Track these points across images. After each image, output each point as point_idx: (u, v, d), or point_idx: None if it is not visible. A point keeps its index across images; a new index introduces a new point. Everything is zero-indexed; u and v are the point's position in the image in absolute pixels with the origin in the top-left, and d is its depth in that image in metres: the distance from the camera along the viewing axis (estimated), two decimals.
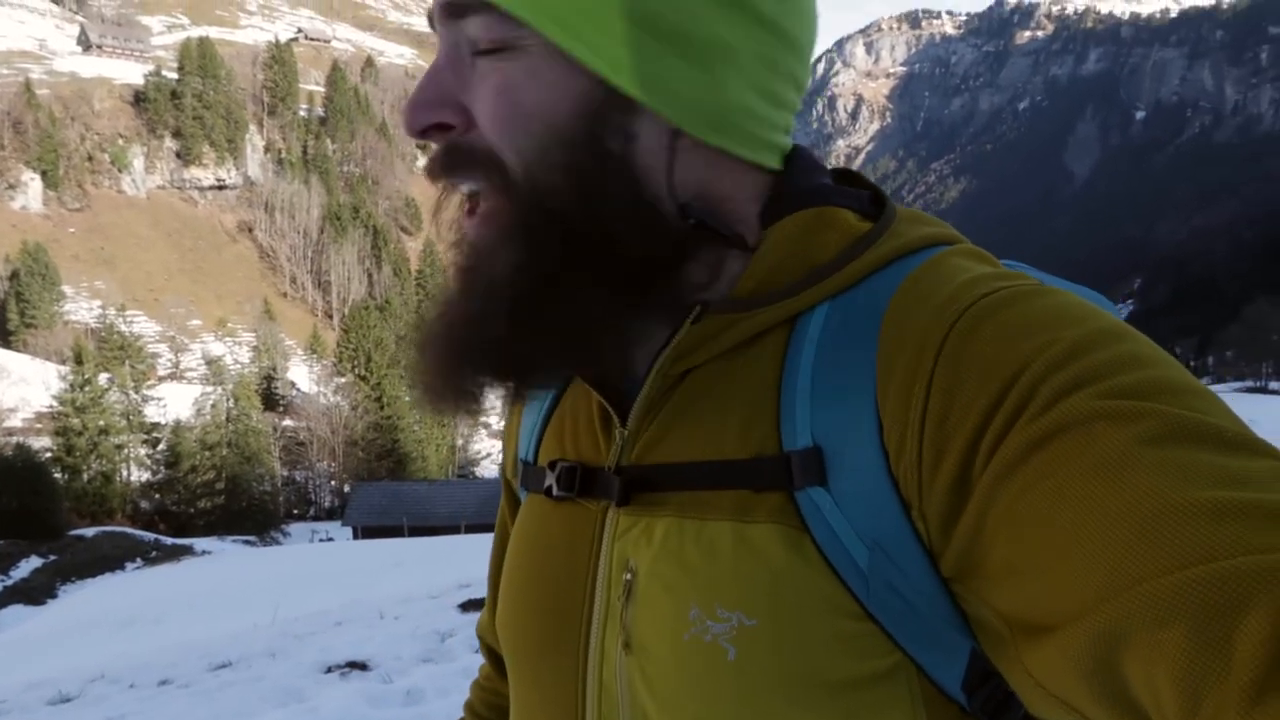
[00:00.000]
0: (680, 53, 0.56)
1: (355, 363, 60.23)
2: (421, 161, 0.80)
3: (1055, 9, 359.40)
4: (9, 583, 24.52)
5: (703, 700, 0.55)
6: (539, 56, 0.56)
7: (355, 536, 34.33)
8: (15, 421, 55.46)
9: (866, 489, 0.52)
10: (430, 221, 0.64)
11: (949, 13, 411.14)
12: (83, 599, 18.68)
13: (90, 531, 30.49)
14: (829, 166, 0.68)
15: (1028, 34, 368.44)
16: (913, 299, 0.55)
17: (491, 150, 0.58)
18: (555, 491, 0.66)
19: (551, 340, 0.58)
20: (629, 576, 0.60)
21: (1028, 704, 0.49)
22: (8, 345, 72.11)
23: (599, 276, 0.57)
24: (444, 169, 0.60)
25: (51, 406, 46.95)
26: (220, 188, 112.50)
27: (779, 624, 0.53)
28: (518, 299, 0.57)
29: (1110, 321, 0.51)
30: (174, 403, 54.75)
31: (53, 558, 26.08)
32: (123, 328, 72.22)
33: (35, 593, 23.93)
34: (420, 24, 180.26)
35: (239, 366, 74.48)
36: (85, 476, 44.31)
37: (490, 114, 0.57)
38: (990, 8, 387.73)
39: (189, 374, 79.94)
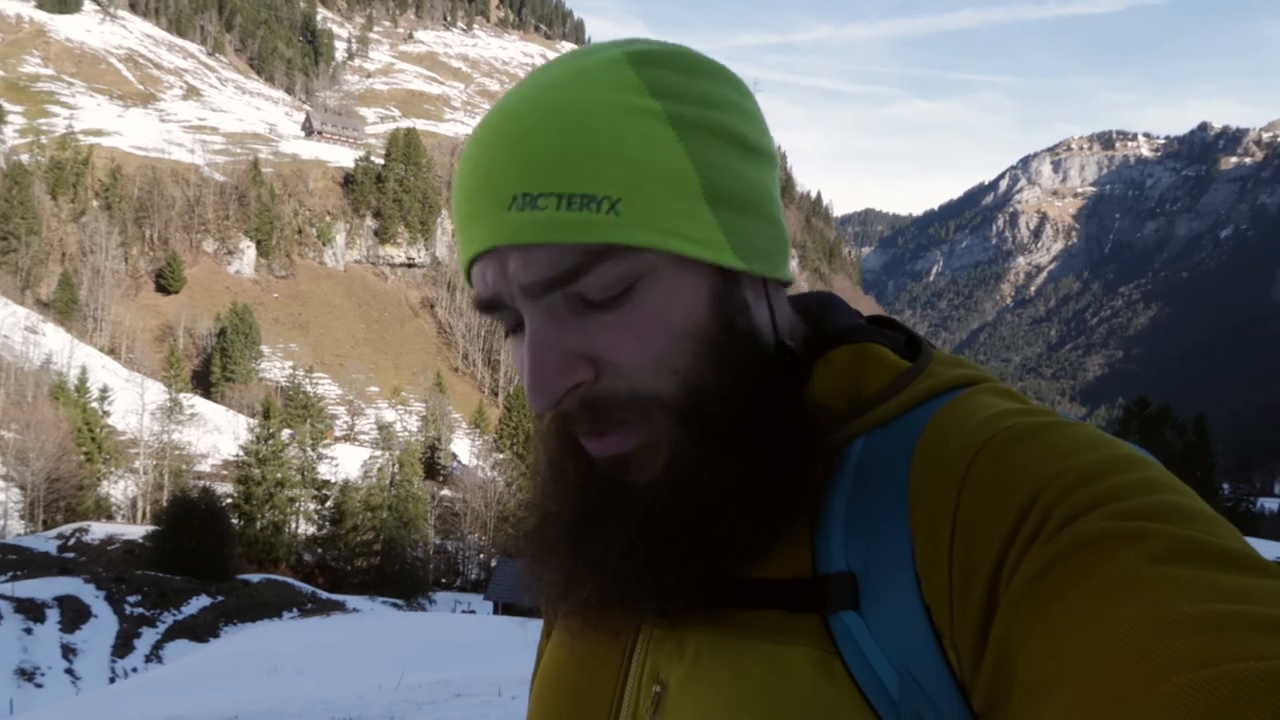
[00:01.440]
0: (749, 212, 0.61)
1: (514, 440, 62.04)
2: None
3: (1266, 135, 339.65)
4: (179, 618, 26.12)
5: None
6: (668, 275, 0.57)
7: (495, 611, 34.66)
8: (205, 466, 59.95)
9: (900, 615, 0.53)
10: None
11: (1146, 135, 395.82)
12: (239, 639, 19.64)
13: (255, 578, 32.22)
14: (872, 314, 0.72)
15: (1234, 160, 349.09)
16: (941, 433, 0.57)
17: (638, 390, 0.58)
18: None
19: (756, 516, 0.58)
20: (659, 689, 0.59)
21: None
22: (208, 395, 78.38)
23: (771, 441, 0.59)
24: (590, 424, 0.59)
25: (238, 455, 50.35)
26: (409, 265, 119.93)
27: None
28: (725, 488, 0.58)
29: (1126, 450, 0.53)
30: (345, 463, 57.83)
31: (220, 599, 27.64)
32: (308, 388, 77.29)
33: (200, 630, 25.44)
34: None
35: (407, 434, 77.80)
36: (258, 525, 46.97)
37: (644, 351, 0.58)
38: (1192, 132, 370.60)
39: (361, 436, 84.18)
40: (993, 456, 0.53)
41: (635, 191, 0.56)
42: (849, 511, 0.57)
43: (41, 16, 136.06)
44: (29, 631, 22.73)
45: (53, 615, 23.74)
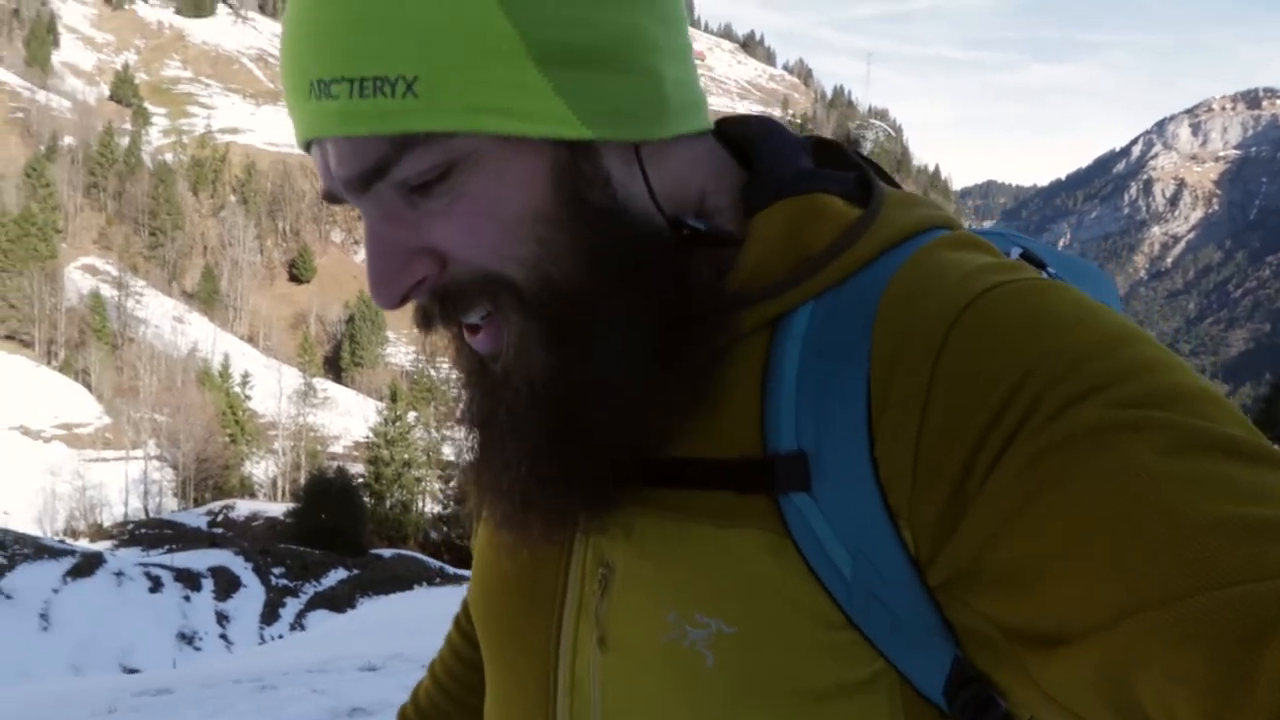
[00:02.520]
0: (601, 66, 0.52)
1: None
2: None
3: None
4: (319, 589, 27.56)
5: (680, 706, 0.54)
6: (491, 157, 0.51)
7: None
8: (337, 448, 62.90)
9: (852, 497, 0.51)
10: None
11: None
12: (376, 608, 20.68)
13: (387, 553, 33.75)
14: (803, 135, 0.65)
15: None
16: (908, 295, 0.52)
17: (486, 274, 0.53)
18: None
19: (636, 412, 0.55)
20: (604, 571, 0.57)
21: (1034, 713, 0.49)
22: (339, 380, 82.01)
23: (642, 331, 0.54)
24: (441, 316, 0.56)
25: (368, 437, 52.62)
26: None
27: (759, 632, 0.52)
28: (587, 387, 0.54)
29: (1114, 322, 0.49)
30: None
31: (355, 572, 28.97)
32: (431, 372, 79.93)
33: (338, 601, 26.76)
34: (717, 104, 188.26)
35: None
36: (388, 503, 49.05)
37: (471, 241, 0.53)
38: None
39: None
40: (971, 328, 0.49)
41: (435, 66, 0.49)
42: (799, 386, 0.53)
43: (180, 21, 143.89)
44: (187, 599, 24.52)
45: (207, 584, 25.51)
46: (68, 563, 23.34)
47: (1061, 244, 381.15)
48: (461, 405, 0.62)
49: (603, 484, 0.56)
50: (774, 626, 0.52)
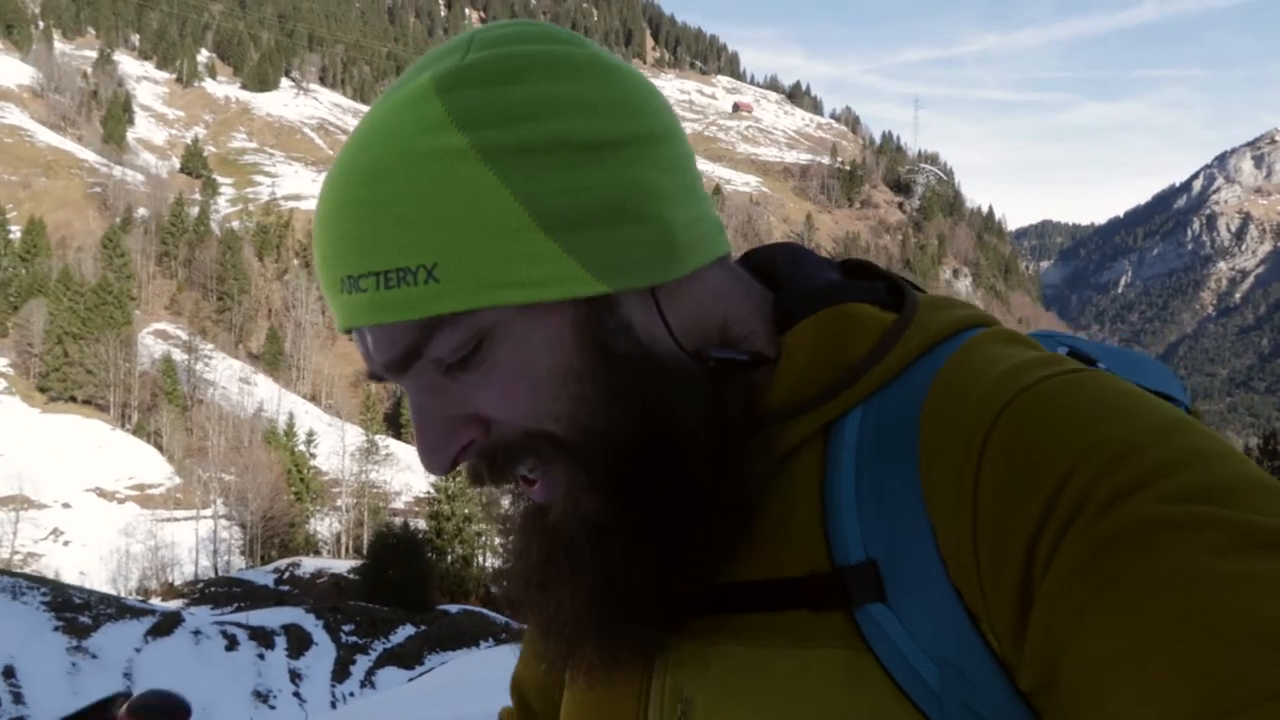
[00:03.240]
0: (607, 222, 0.54)
1: None
2: None
3: None
4: (388, 646, 27.69)
5: None
6: (516, 326, 0.53)
7: None
8: (399, 503, 63.59)
9: (930, 602, 0.49)
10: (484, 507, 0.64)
11: None
12: (444, 668, 20.83)
13: (454, 609, 33.86)
14: (832, 259, 0.66)
15: None
16: (951, 393, 0.52)
17: (528, 432, 0.55)
18: None
19: (690, 546, 0.55)
20: (683, 708, 0.56)
21: None
22: (399, 436, 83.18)
23: (684, 465, 0.55)
24: (492, 475, 0.57)
25: (428, 493, 53.15)
26: None
27: None
28: (639, 528, 0.55)
29: (1162, 412, 0.48)
30: None
31: (423, 628, 29.09)
32: None
33: (407, 658, 26.90)
34: (765, 154, 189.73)
35: None
36: (449, 559, 49.35)
37: (508, 406, 0.55)
38: None
39: None
40: (1015, 422, 0.48)
41: (451, 251, 0.52)
42: (859, 492, 0.53)
43: (245, 96, 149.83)
44: (261, 657, 24.83)
45: (280, 642, 25.80)
46: (148, 622, 23.88)
47: (1123, 282, 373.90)
48: (515, 551, 0.63)
49: (660, 615, 0.56)
50: None
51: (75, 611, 22.64)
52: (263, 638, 25.60)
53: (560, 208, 0.52)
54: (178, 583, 43.43)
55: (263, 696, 23.48)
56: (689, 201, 0.58)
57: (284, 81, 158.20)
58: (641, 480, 0.54)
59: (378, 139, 0.53)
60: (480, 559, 51.77)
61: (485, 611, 35.04)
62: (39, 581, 23.66)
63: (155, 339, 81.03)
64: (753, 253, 0.67)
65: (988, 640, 0.48)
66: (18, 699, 18.61)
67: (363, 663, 26.54)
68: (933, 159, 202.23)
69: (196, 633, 24.38)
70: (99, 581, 37.90)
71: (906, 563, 0.50)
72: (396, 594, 31.73)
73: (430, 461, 0.56)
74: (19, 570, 36.38)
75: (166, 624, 24.19)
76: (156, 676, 21.57)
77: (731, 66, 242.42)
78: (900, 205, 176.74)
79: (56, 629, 21.57)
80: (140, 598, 33.47)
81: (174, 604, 31.94)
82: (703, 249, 0.58)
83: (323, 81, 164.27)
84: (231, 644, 24.65)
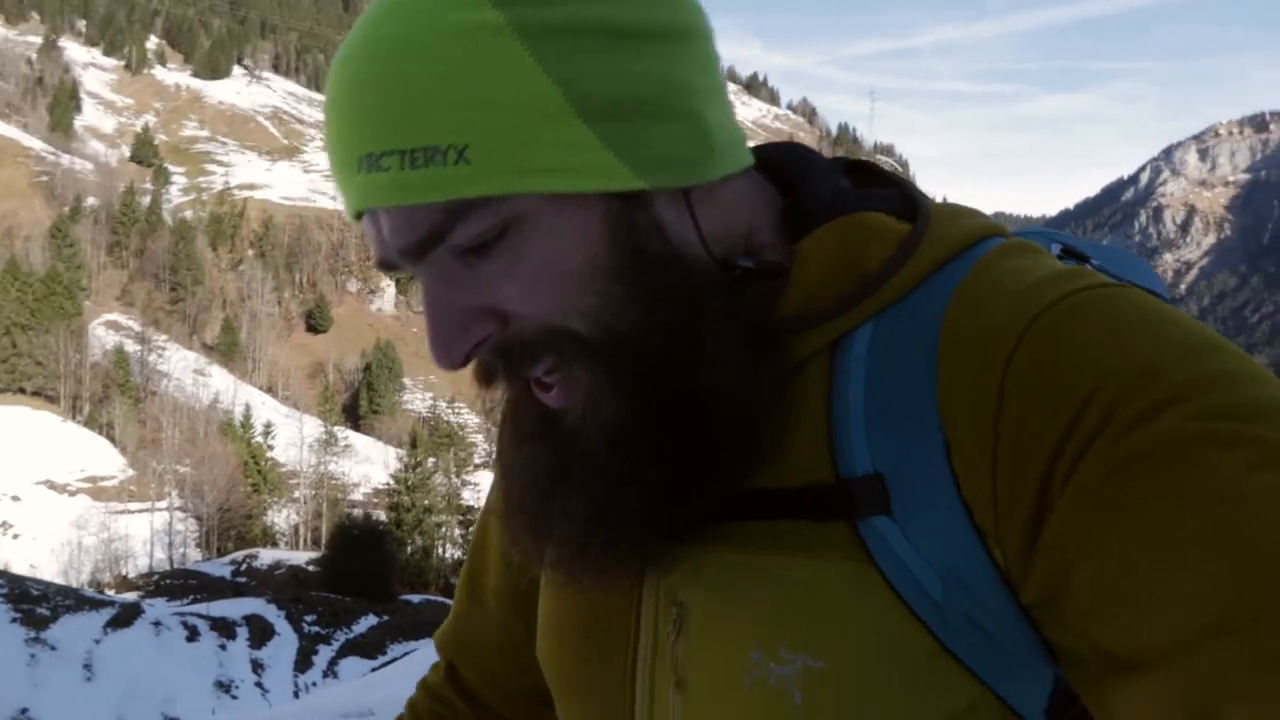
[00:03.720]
0: (645, 115, 0.52)
1: None
2: None
3: None
4: (351, 636, 27.74)
5: None
6: (546, 214, 0.51)
7: None
8: (357, 495, 63.31)
9: (937, 517, 0.49)
10: (485, 416, 0.62)
11: None
12: (409, 655, 21.06)
13: (416, 599, 34.05)
14: (834, 158, 0.65)
15: None
16: (970, 310, 0.51)
17: (550, 328, 0.53)
18: None
19: (708, 450, 0.54)
20: (678, 611, 0.56)
21: None
22: (356, 428, 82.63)
23: (705, 372, 0.54)
24: (506, 373, 0.56)
25: (388, 484, 53.04)
26: None
27: (849, 665, 0.50)
28: (657, 431, 0.53)
29: (1194, 330, 0.48)
30: (487, 489, 59.84)
31: (386, 618, 29.15)
32: (451, 418, 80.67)
33: (370, 648, 26.97)
34: None
35: None
36: (409, 549, 49.34)
37: (532, 299, 0.52)
38: None
39: None
40: (1041, 339, 0.48)
41: (484, 132, 0.49)
42: (868, 405, 0.52)
43: (197, 83, 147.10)
44: (223, 648, 24.80)
45: (242, 633, 25.77)
46: (107, 613, 23.70)
47: None
48: (519, 457, 0.60)
49: (669, 523, 0.55)
50: (865, 657, 0.50)
51: (33, 603, 22.43)
52: (224, 628, 25.54)
53: (598, 94, 0.50)
54: (132, 575, 42.98)
55: (225, 687, 23.46)
56: (719, 103, 0.57)
57: (236, 69, 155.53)
58: (664, 385, 0.53)
59: (404, 12, 0.51)
60: (440, 550, 51.87)
61: (448, 601, 35.21)
62: None
63: (107, 330, 79.68)
64: (758, 152, 0.64)
65: (993, 555, 0.48)
66: None
67: (325, 653, 26.59)
68: (888, 150, 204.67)
69: (157, 624, 24.26)
70: (50, 575, 37.41)
71: (914, 477, 0.50)
72: (358, 584, 31.81)
73: (442, 355, 0.54)
74: None
75: (126, 615, 24.04)
76: (117, 668, 21.61)
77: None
78: None
79: (14, 620, 21.37)
80: (94, 589, 33.11)
81: (129, 596, 31.70)
82: (732, 155, 0.57)
83: (276, 69, 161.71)
84: (193, 635, 24.57)
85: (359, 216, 0.55)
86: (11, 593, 22.33)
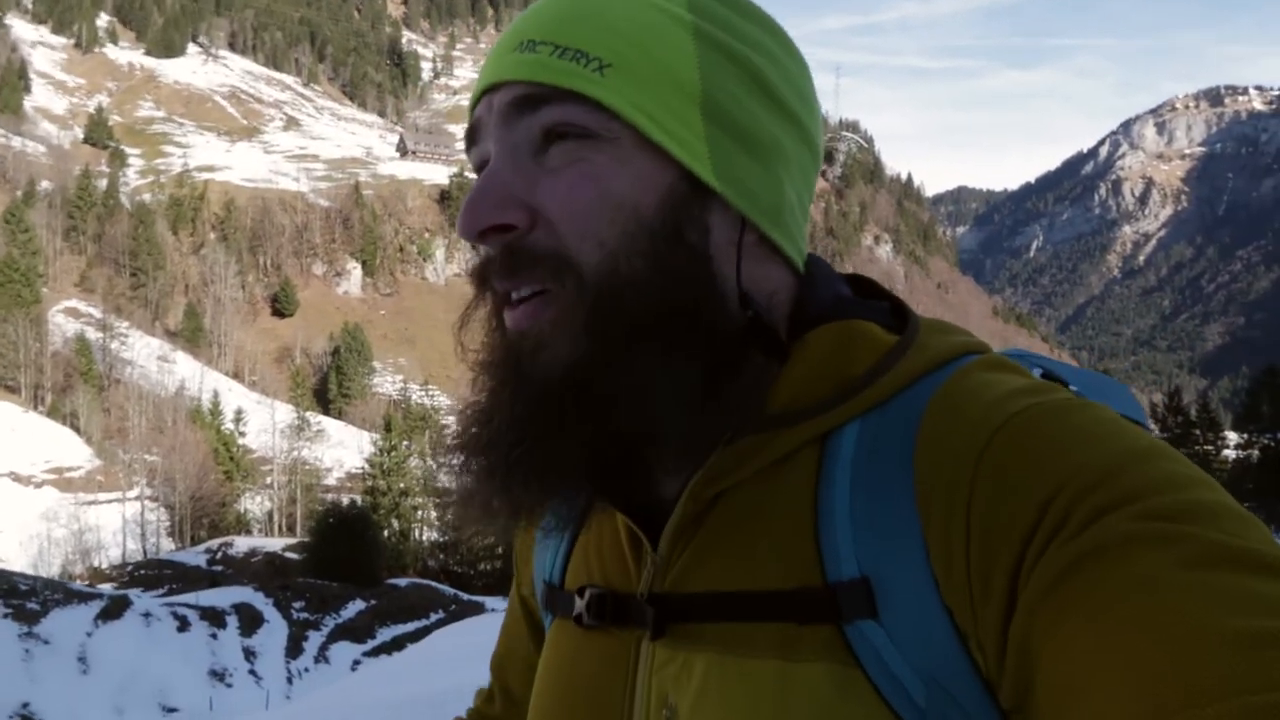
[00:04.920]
0: (748, 149, 0.59)
1: None
2: None
3: None
4: (339, 621, 27.71)
5: None
6: (627, 147, 0.57)
7: None
8: (331, 480, 62.92)
9: (921, 621, 0.50)
10: (460, 324, 0.64)
11: (1258, 88, 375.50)
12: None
13: (403, 582, 33.97)
14: (842, 272, 0.68)
15: None
16: (944, 418, 0.54)
17: (561, 250, 0.57)
18: (586, 620, 0.63)
19: (612, 437, 0.56)
20: (668, 714, 0.57)
21: None
22: (326, 412, 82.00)
23: (667, 370, 0.56)
24: (504, 272, 0.58)
25: (362, 468, 52.74)
26: None
27: None
28: (581, 391, 0.55)
29: (1144, 439, 0.50)
30: None
31: (373, 602, 29.13)
32: (425, 400, 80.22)
33: (359, 632, 27.03)
34: None
35: None
36: (386, 533, 49.16)
37: (571, 202, 0.57)
38: None
39: None
40: (1005, 447, 0.50)
41: (628, 63, 0.57)
42: (853, 508, 0.54)
43: (150, 62, 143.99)
44: (214, 637, 24.60)
45: (232, 621, 25.56)
46: (96, 606, 23.45)
47: (1035, 246, 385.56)
48: (478, 394, 0.62)
49: (570, 487, 0.58)
50: None
51: (22, 598, 22.17)
52: (214, 617, 25.34)
53: (724, 105, 0.58)
54: (104, 567, 42.44)
55: (219, 675, 23.29)
56: (800, 206, 0.63)
57: (191, 48, 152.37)
58: (639, 346, 0.55)
59: None
60: (417, 533, 51.75)
61: (435, 585, 35.27)
62: None
63: (66, 317, 78.13)
64: None
65: (975, 659, 0.49)
66: None
67: (315, 638, 26.51)
68: (853, 126, 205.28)
69: (146, 615, 24.02)
70: (19, 568, 36.84)
71: (899, 580, 0.51)
72: (343, 570, 31.70)
73: (470, 215, 0.58)
74: None
75: (115, 607, 23.77)
76: (111, 660, 21.42)
77: None
78: (823, 173, 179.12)
79: (5, 616, 21.10)
80: (89, 583, 32.68)
81: (102, 589, 31.34)
82: (793, 243, 0.63)
83: (232, 48, 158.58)
84: (183, 625, 24.38)
85: (484, 93, 0.61)
86: (0, 588, 22.06)
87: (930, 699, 0.50)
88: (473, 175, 0.61)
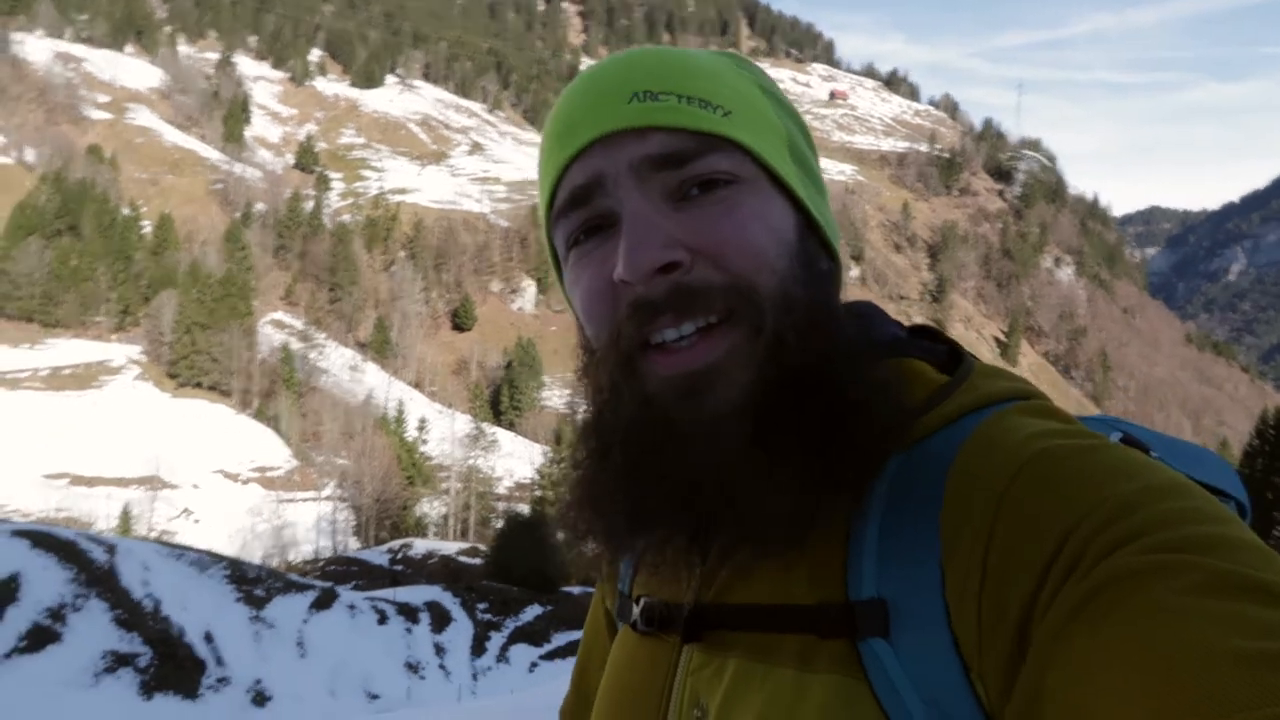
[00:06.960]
0: (819, 190, 0.66)
1: None
2: None
3: None
4: (519, 624, 29.15)
5: None
6: (765, 188, 0.62)
7: None
8: (501, 489, 65.62)
9: (928, 645, 0.52)
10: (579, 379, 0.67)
11: None
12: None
13: (576, 590, 35.22)
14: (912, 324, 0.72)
15: None
16: (976, 455, 0.56)
17: (737, 281, 0.59)
18: (640, 626, 0.68)
19: (796, 465, 0.57)
20: (699, 714, 0.61)
21: None
22: (498, 422, 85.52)
23: (826, 400, 0.58)
24: (677, 308, 0.59)
25: (531, 479, 54.71)
26: None
27: None
28: (765, 416, 0.57)
29: (1165, 477, 0.51)
30: None
31: (550, 608, 30.41)
32: None
33: (536, 636, 28.37)
34: (861, 142, 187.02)
35: None
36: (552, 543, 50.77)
37: (742, 237, 0.59)
38: None
39: None
40: (1028, 482, 0.52)
41: (743, 110, 0.62)
42: (882, 535, 0.56)
43: (353, 93, 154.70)
44: (409, 631, 26.48)
45: (424, 618, 27.39)
46: (310, 596, 25.61)
47: (1235, 269, 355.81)
48: (595, 429, 0.65)
49: (766, 521, 0.58)
50: None
51: (251, 585, 24.48)
52: (409, 613, 27.21)
53: (799, 149, 0.66)
54: (297, 561, 45.67)
55: (413, 667, 25.05)
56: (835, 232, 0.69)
57: (389, 78, 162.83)
58: (808, 373, 0.58)
59: (687, 49, 0.65)
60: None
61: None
62: (217, 557, 25.70)
63: (273, 328, 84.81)
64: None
65: (975, 687, 0.50)
66: (219, 661, 20.60)
67: (496, 639, 27.97)
68: (1035, 145, 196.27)
69: (351, 607, 26.05)
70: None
71: (914, 605, 0.53)
72: (522, 575, 33.17)
73: (637, 255, 0.58)
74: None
75: (325, 599, 25.88)
76: (324, 646, 23.51)
77: (827, 54, 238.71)
78: (1000, 193, 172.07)
79: (238, 600, 23.39)
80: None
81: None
82: (838, 272, 0.68)
83: (426, 78, 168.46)
84: (382, 618, 26.27)
85: (577, 157, 0.62)
86: (233, 574, 24.51)
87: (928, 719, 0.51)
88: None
